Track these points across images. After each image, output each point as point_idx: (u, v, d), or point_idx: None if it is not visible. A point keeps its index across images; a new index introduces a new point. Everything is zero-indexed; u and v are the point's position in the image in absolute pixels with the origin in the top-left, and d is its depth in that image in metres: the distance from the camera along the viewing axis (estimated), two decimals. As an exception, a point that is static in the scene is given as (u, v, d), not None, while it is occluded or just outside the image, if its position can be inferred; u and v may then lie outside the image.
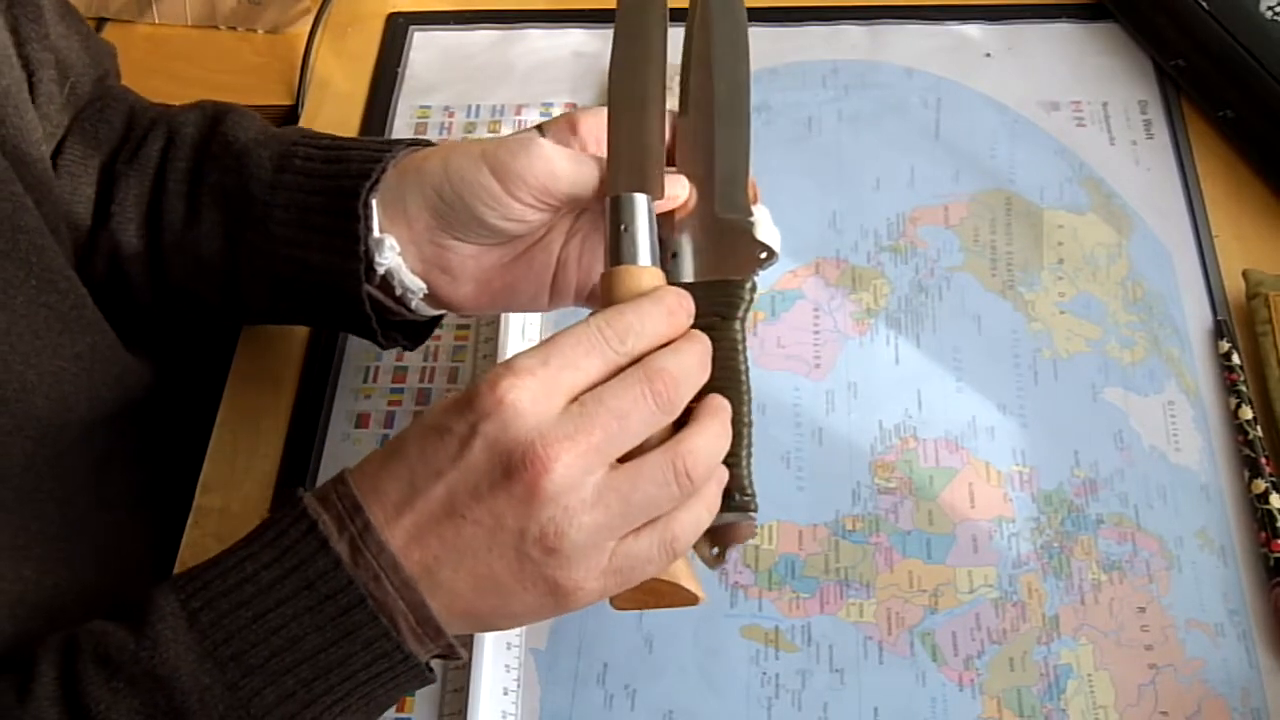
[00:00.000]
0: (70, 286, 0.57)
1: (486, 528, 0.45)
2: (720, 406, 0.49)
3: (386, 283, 0.58)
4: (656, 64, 0.56)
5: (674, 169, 0.56)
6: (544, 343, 0.47)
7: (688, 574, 0.50)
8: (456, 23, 0.87)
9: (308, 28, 0.86)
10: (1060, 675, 0.59)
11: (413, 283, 0.58)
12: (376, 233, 0.57)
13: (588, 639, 0.61)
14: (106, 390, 0.60)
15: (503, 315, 0.70)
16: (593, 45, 0.86)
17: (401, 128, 0.82)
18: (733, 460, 0.50)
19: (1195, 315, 0.71)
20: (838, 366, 0.69)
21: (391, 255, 0.57)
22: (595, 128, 0.57)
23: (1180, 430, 0.66)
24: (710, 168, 0.55)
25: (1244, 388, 0.67)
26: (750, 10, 0.59)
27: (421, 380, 0.70)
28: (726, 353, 0.51)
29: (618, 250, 0.51)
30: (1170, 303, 0.71)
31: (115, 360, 0.61)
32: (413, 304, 0.59)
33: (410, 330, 0.63)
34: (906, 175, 0.77)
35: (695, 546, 0.52)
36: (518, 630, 0.60)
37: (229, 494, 0.66)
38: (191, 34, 0.88)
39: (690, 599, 0.50)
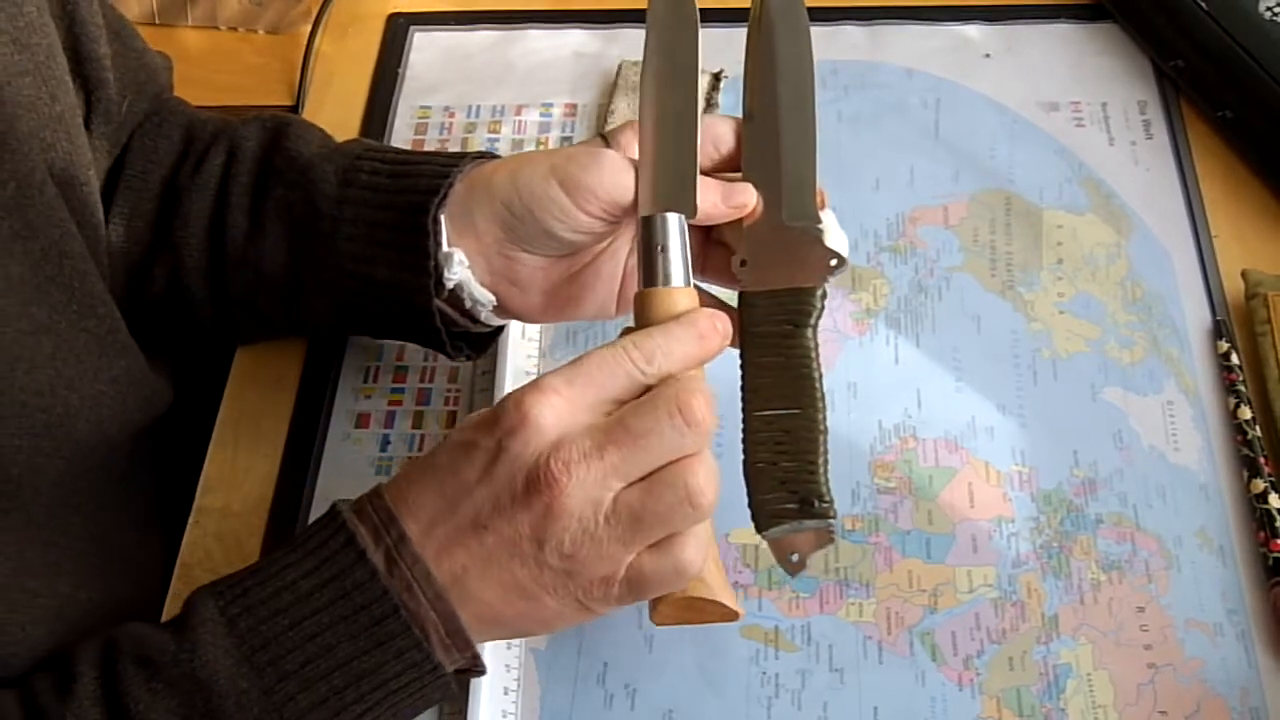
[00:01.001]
0: (107, 311, 0.57)
1: (508, 539, 0.46)
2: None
3: (455, 296, 0.58)
4: (688, 77, 0.56)
5: (739, 175, 0.56)
6: (572, 362, 0.48)
7: (726, 590, 0.50)
8: (456, 23, 0.88)
9: (308, 28, 0.86)
10: (1059, 675, 0.59)
11: (482, 295, 0.58)
12: (445, 247, 0.57)
13: (588, 639, 0.61)
14: (138, 412, 0.61)
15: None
16: (593, 45, 0.86)
17: (402, 128, 0.82)
18: (810, 469, 0.51)
19: (1194, 315, 0.71)
20: (837, 366, 0.69)
21: (461, 269, 0.57)
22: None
23: (1179, 430, 0.66)
24: (777, 174, 0.55)
25: (1243, 388, 0.67)
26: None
27: (422, 380, 0.70)
28: (800, 361, 0.52)
29: (651, 271, 0.51)
30: (1169, 303, 0.71)
31: (146, 382, 0.61)
32: (481, 315, 0.60)
33: (474, 340, 0.63)
34: (906, 175, 0.77)
35: (775, 555, 0.53)
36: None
37: (229, 494, 0.66)
38: (192, 34, 0.88)
39: (730, 615, 0.51)
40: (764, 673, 0.60)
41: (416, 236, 0.57)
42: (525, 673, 0.60)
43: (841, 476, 0.65)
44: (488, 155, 0.61)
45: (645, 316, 0.51)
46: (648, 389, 0.48)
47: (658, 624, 0.51)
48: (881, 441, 0.66)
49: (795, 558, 0.52)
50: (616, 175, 0.54)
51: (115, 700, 0.47)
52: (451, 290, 0.58)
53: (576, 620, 0.49)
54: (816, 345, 0.53)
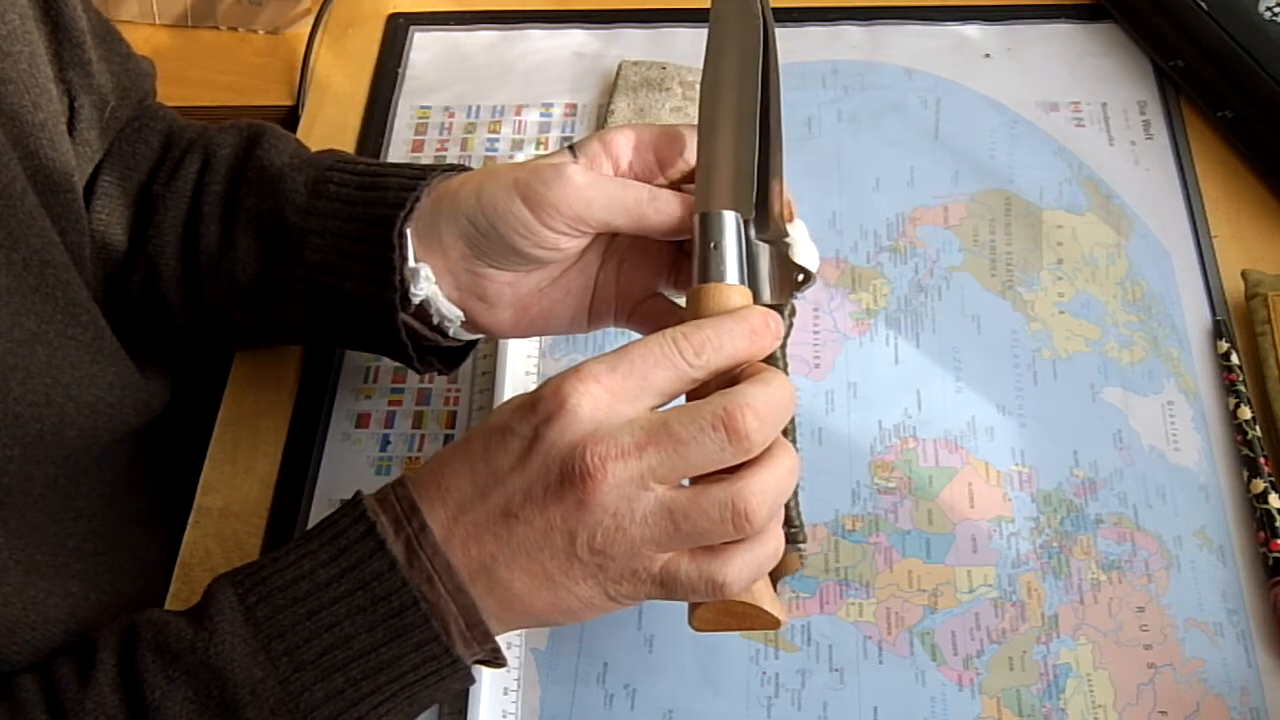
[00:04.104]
0: (91, 319, 0.57)
1: (539, 529, 0.46)
2: (789, 448, 0.48)
3: (424, 310, 0.58)
4: (750, 79, 0.55)
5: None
6: (617, 350, 0.47)
7: (769, 596, 0.49)
8: (457, 23, 0.88)
9: (308, 28, 0.86)
10: (1059, 675, 0.59)
11: (450, 311, 0.58)
12: (412, 262, 0.57)
13: (588, 639, 0.61)
14: (134, 417, 0.61)
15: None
16: (593, 45, 0.86)
17: (402, 128, 0.82)
18: None
19: (1194, 315, 0.71)
20: (837, 366, 0.69)
21: (427, 285, 0.56)
22: (626, 148, 0.57)
23: (1179, 430, 0.66)
24: None
25: (1243, 388, 0.67)
26: (791, 12, 0.58)
27: (421, 380, 0.70)
28: None
29: (705, 267, 0.50)
30: (1169, 303, 0.71)
31: (139, 387, 0.61)
32: (450, 331, 0.59)
33: (446, 355, 0.63)
34: (906, 175, 0.77)
35: None
36: (518, 629, 0.60)
37: (229, 494, 0.66)
38: (192, 34, 0.88)
39: (772, 622, 0.50)
40: (764, 673, 0.60)
41: (382, 250, 0.56)
42: (525, 673, 0.60)
43: (841, 476, 0.65)
44: (458, 168, 0.60)
45: (698, 312, 0.50)
46: (695, 382, 0.48)
47: (697, 629, 0.50)
48: (881, 441, 0.66)
49: None
50: (580, 191, 0.53)
51: (133, 687, 0.47)
52: (419, 305, 0.58)
53: (604, 612, 0.48)
54: (785, 364, 0.51)
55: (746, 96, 0.55)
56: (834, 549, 0.63)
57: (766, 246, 0.53)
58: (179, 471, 0.68)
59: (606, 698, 0.59)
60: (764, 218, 0.54)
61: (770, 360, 0.51)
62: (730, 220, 0.51)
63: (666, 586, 0.47)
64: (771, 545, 0.48)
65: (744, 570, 0.47)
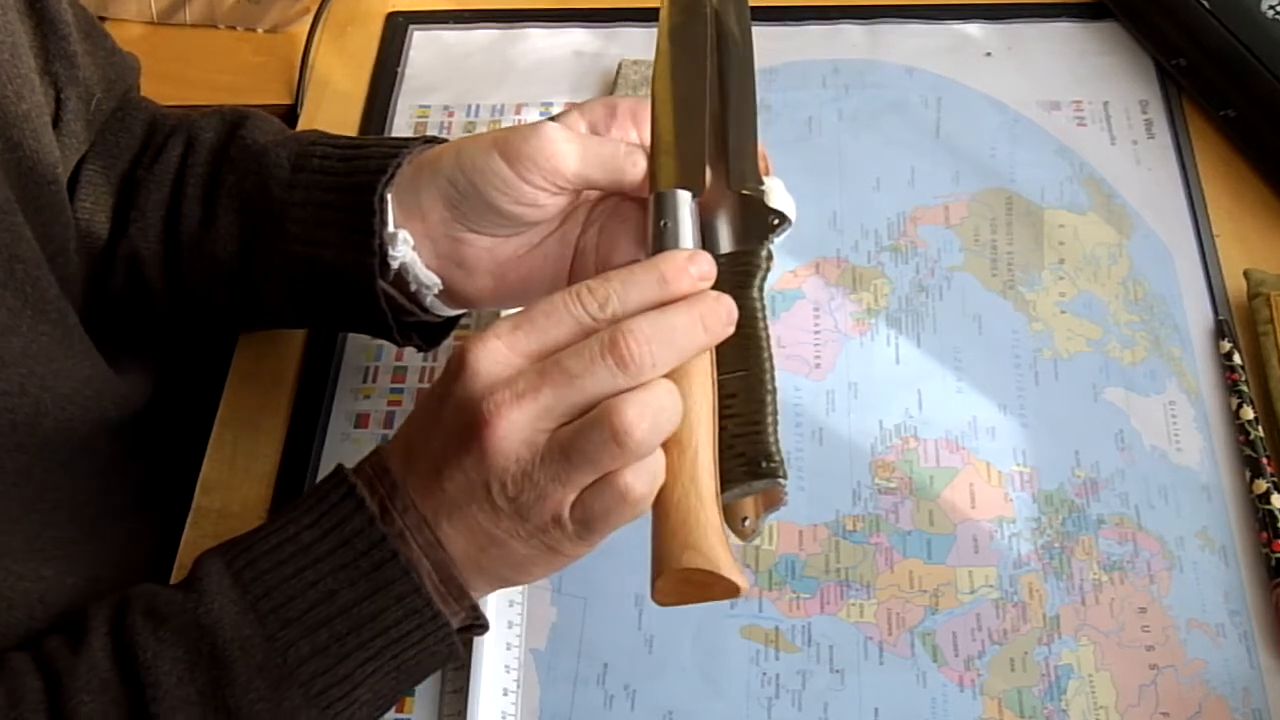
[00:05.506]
0: (61, 316, 0.57)
1: (460, 484, 0.47)
2: (667, 383, 0.47)
3: (402, 279, 0.58)
4: (701, 61, 0.57)
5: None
6: (524, 308, 0.48)
7: (729, 563, 0.48)
8: (456, 22, 0.87)
9: (307, 27, 0.86)
10: (1061, 676, 0.59)
11: (427, 278, 0.58)
12: (391, 227, 0.57)
13: (588, 639, 0.61)
14: (113, 411, 0.61)
15: (503, 314, 0.70)
16: (593, 45, 0.85)
17: (401, 127, 0.81)
18: (757, 429, 0.50)
19: (1196, 315, 0.71)
20: (838, 366, 0.69)
21: (405, 249, 0.57)
22: (605, 117, 0.58)
23: (1181, 430, 0.66)
24: (721, 143, 0.56)
25: (1245, 387, 0.67)
26: (750, 10, 0.59)
27: (421, 380, 0.70)
28: (745, 321, 0.51)
29: (659, 244, 0.52)
30: (1171, 302, 0.71)
31: (117, 383, 0.61)
32: (427, 300, 0.59)
33: (427, 332, 0.63)
34: (907, 175, 0.77)
35: (725, 518, 0.50)
36: (518, 630, 0.60)
37: (229, 494, 0.66)
38: (191, 34, 0.88)
39: (732, 589, 0.48)
40: (764, 673, 0.59)
41: (363, 216, 0.57)
42: (525, 673, 0.60)
43: (842, 476, 0.65)
44: (437, 140, 0.61)
45: None
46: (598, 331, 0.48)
47: (659, 604, 0.49)
48: (882, 441, 0.66)
49: (746, 521, 0.51)
50: (555, 144, 0.54)
51: (125, 649, 0.48)
52: (397, 273, 0.58)
53: (554, 564, 0.49)
54: (764, 306, 0.52)
55: (697, 76, 0.56)
56: (835, 549, 0.63)
57: (736, 195, 0.54)
58: (167, 466, 0.68)
59: (606, 698, 0.59)
60: (740, 168, 0.55)
61: (748, 301, 0.51)
62: (683, 199, 0.53)
63: (589, 524, 0.47)
64: (655, 463, 0.47)
65: (641, 478, 0.46)
